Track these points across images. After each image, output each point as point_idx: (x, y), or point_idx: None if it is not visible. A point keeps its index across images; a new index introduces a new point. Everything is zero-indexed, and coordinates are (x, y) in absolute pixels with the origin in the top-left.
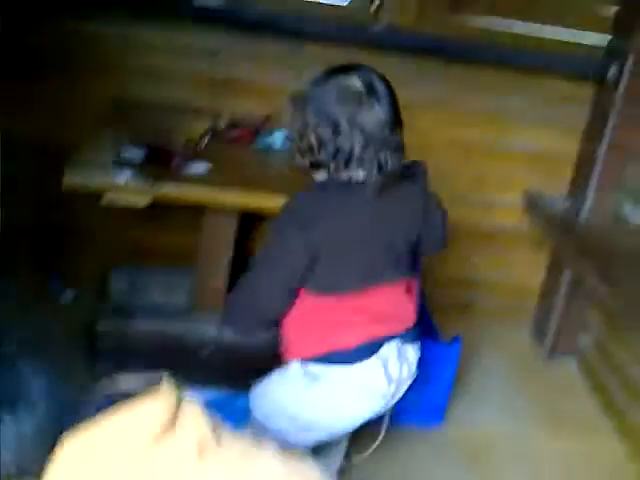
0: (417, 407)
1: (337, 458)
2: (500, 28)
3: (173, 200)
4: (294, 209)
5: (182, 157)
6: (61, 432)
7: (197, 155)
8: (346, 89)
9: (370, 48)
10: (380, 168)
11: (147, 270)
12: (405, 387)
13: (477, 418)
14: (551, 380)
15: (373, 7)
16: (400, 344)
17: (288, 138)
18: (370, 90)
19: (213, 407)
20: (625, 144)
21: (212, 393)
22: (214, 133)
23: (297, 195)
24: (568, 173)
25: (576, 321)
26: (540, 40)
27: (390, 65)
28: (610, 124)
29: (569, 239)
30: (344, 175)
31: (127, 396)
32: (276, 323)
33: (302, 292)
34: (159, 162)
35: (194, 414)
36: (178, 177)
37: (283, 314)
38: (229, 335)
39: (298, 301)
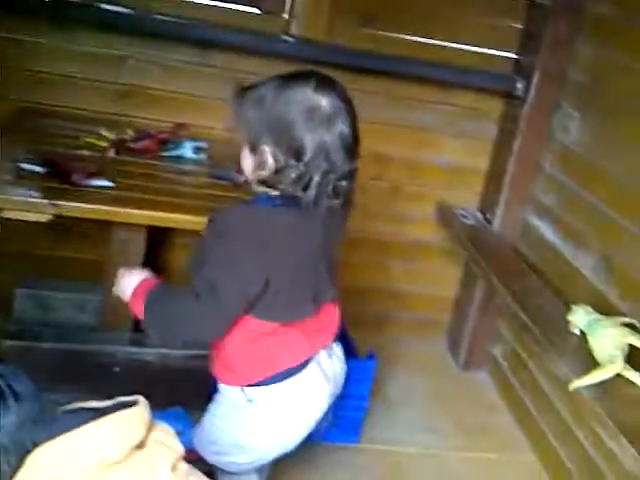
0: (334, 424)
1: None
2: (411, 42)
3: (76, 216)
4: (251, 228)
5: (85, 170)
6: (34, 440)
7: (102, 168)
8: (312, 111)
9: (281, 59)
10: (336, 194)
11: (54, 286)
12: (341, 380)
13: (393, 434)
14: (466, 393)
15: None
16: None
17: (198, 149)
18: (338, 114)
19: None
20: (532, 158)
21: None
22: (121, 144)
23: (249, 211)
24: (480, 186)
25: (489, 333)
26: (453, 54)
27: None
28: (518, 139)
29: (480, 252)
30: (292, 193)
31: (98, 412)
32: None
33: (245, 318)
34: (60, 176)
35: (167, 432)
36: (80, 192)
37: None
38: (140, 351)
39: (238, 326)
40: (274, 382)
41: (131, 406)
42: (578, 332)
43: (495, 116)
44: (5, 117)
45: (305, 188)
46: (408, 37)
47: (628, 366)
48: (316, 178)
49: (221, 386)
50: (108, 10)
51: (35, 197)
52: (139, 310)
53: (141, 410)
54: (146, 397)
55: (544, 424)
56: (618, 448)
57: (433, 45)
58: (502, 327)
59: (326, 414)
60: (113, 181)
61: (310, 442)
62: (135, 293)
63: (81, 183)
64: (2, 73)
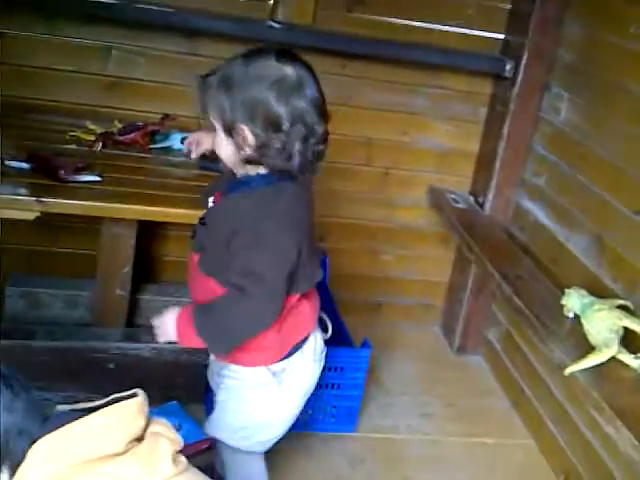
0: (330, 413)
1: None
2: (399, 26)
3: (64, 213)
4: (278, 208)
5: (72, 165)
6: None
7: (89, 162)
8: (281, 82)
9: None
10: (318, 159)
11: (45, 283)
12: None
13: (389, 422)
14: (461, 377)
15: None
16: None
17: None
18: (304, 81)
19: None
20: (523, 140)
21: None
22: (108, 137)
23: (267, 190)
24: (471, 169)
25: (484, 317)
26: (441, 36)
27: None
28: (507, 120)
29: (472, 236)
30: (280, 166)
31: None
32: None
33: None
34: (47, 173)
35: (165, 425)
36: (68, 189)
37: None
38: (134, 346)
39: None
40: (290, 355)
41: (128, 399)
42: (572, 316)
43: (485, 98)
44: None
45: (289, 157)
46: (395, 20)
47: (623, 349)
48: (297, 146)
49: (239, 370)
50: (91, 1)
51: (21, 195)
52: (193, 338)
53: (140, 401)
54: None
55: (541, 408)
56: (615, 432)
57: (421, 28)
58: (496, 310)
59: None
60: (101, 175)
61: (306, 431)
62: (179, 327)
63: (68, 179)
64: None
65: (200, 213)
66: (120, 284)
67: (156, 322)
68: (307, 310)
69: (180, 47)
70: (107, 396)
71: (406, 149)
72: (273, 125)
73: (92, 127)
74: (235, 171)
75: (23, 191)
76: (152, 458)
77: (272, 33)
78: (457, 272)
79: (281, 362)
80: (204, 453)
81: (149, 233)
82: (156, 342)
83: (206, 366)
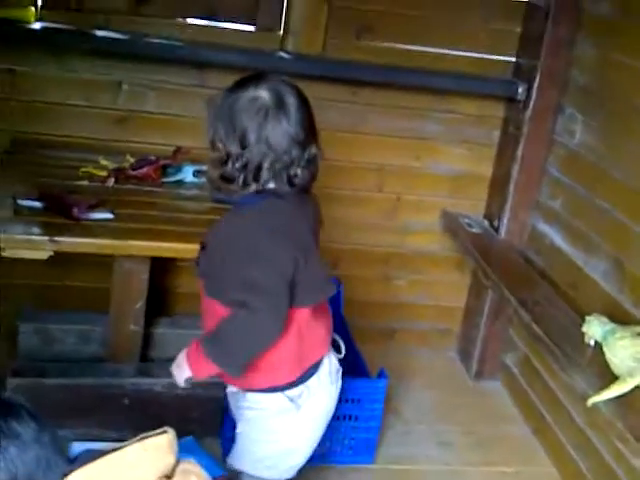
0: (347, 445)
1: None
2: (409, 52)
3: (77, 251)
4: (268, 221)
5: (85, 203)
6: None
7: (102, 198)
8: (253, 101)
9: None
10: (290, 183)
11: (58, 318)
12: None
13: (408, 451)
14: (479, 404)
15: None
16: None
17: (198, 172)
18: (279, 103)
19: None
20: (537, 163)
21: None
22: (120, 172)
23: (256, 208)
24: (485, 193)
25: (501, 341)
26: (452, 61)
27: None
28: (521, 143)
29: (488, 262)
30: (253, 187)
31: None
32: None
33: None
34: (60, 211)
35: (193, 464)
36: (81, 227)
37: None
38: (148, 382)
39: None
40: (306, 379)
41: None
42: (593, 343)
43: (497, 122)
44: (4, 149)
45: (256, 177)
46: (405, 47)
47: None
48: (265, 165)
49: (257, 400)
50: (101, 36)
51: (35, 234)
52: (206, 366)
53: (170, 439)
54: (157, 428)
55: (562, 435)
56: None
57: (431, 53)
58: (513, 334)
59: None
60: (113, 212)
61: (324, 464)
62: (191, 360)
63: (81, 217)
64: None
65: None
66: (133, 319)
67: (172, 368)
68: (321, 331)
69: (190, 79)
70: (123, 432)
71: (418, 174)
72: (240, 141)
73: (104, 163)
74: (228, 193)
75: (36, 230)
76: None
77: (282, 63)
78: (473, 296)
79: (297, 387)
80: None
81: (162, 265)
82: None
83: (221, 399)
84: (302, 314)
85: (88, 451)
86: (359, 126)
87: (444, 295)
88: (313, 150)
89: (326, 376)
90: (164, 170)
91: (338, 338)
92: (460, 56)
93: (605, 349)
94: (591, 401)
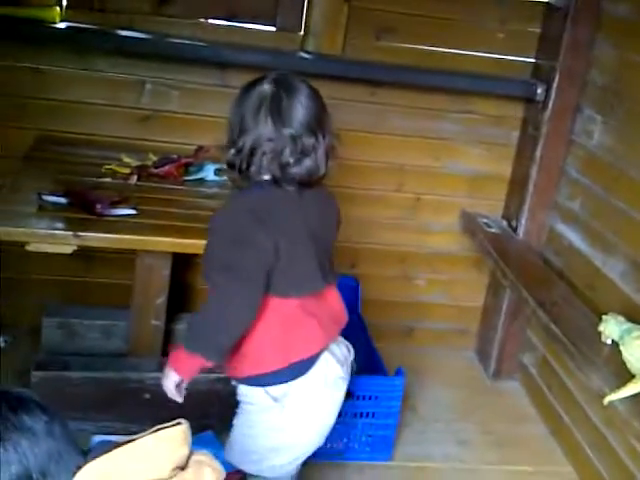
0: (365, 443)
1: None
2: (429, 52)
3: (100, 246)
4: (252, 207)
5: (108, 199)
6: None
7: (125, 195)
8: (256, 92)
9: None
10: (284, 172)
11: (81, 313)
12: (351, 364)
13: (426, 449)
14: (497, 403)
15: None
16: None
17: (220, 170)
18: (276, 94)
19: None
20: (556, 164)
21: None
22: (142, 169)
23: (245, 194)
24: (503, 193)
25: (519, 341)
26: (471, 62)
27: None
28: (540, 144)
29: (506, 262)
30: (250, 175)
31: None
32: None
33: (265, 298)
34: (83, 207)
35: (207, 455)
36: (104, 223)
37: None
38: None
39: (260, 309)
40: (293, 378)
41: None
42: (610, 342)
43: (516, 122)
44: (24, 147)
45: (249, 163)
46: (424, 47)
47: None
48: (258, 151)
49: (243, 392)
50: (124, 36)
51: (59, 229)
52: (186, 358)
53: (184, 430)
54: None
55: (579, 435)
56: None
57: (451, 54)
58: (531, 335)
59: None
60: (136, 208)
61: (341, 461)
62: (171, 361)
63: (104, 213)
64: (20, 103)
65: None
66: (155, 314)
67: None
68: (314, 328)
69: (213, 79)
70: (144, 426)
71: (437, 174)
72: (240, 128)
73: (127, 160)
74: (235, 182)
75: (60, 225)
76: None
77: (303, 63)
78: (491, 296)
79: (280, 385)
80: None
81: (184, 261)
82: None
83: None
84: (288, 305)
85: (102, 443)
86: (378, 126)
87: (462, 295)
88: (308, 142)
89: (320, 379)
90: (186, 168)
91: (347, 343)
92: (479, 57)
93: (622, 348)
94: (607, 399)
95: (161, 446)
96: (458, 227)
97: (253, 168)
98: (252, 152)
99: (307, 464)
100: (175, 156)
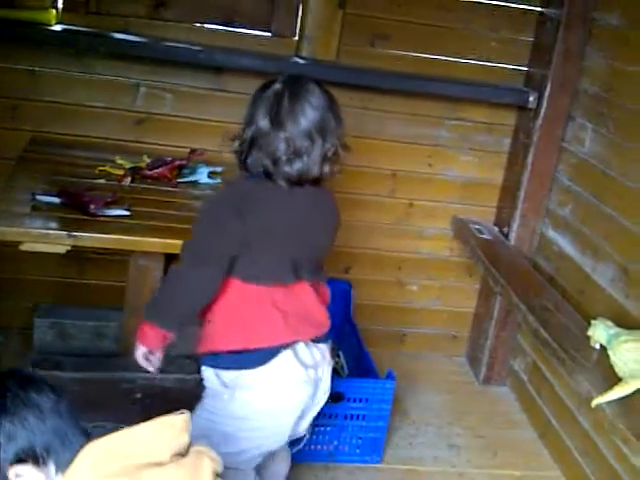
0: (355, 445)
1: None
2: (422, 60)
3: (94, 246)
4: (237, 197)
5: (102, 200)
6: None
7: (118, 196)
8: (266, 90)
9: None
10: (276, 167)
11: (73, 314)
12: (327, 373)
13: (416, 453)
14: (488, 408)
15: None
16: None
17: (213, 173)
18: (280, 93)
19: None
20: (547, 171)
21: None
22: (136, 171)
23: (237, 183)
24: (495, 200)
25: (509, 347)
26: (464, 70)
27: None
28: (531, 151)
29: (498, 268)
30: (253, 168)
31: None
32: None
33: (228, 280)
34: (77, 207)
35: (207, 447)
36: (97, 223)
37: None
38: (160, 376)
39: (224, 289)
40: (244, 367)
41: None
42: (599, 347)
43: (508, 130)
44: (19, 148)
45: (247, 153)
46: (419, 54)
47: None
48: (255, 142)
49: (204, 373)
50: (119, 39)
51: (53, 229)
52: (147, 330)
53: (185, 419)
54: None
55: (568, 439)
56: None
57: (444, 61)
58: (522, 340)
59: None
60: (129, 209)
61: (332, 463)
62: (137, 335)
63: (98, 213)
64: (15, 104)
65: None
66: None
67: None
68: (275, 319)
69: (207, 83)
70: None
71: (430, 180)
72: (246, 121)
73: (121, 162)
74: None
75: (54, 225)
76: (196, 472)
77: (297, 69)
78: (482, 302)
79: (231, 371)
80: None
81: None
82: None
83: None
84: (249, 290)
85: (101, 427)
86: (371, 132)
87: (454, 300)
88: (302, 145)
89: (284, 373)
90: (179, 171)
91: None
92: (472, 65)
93: (610, 352)
94: (595, 402)
95: (162, 431)
96: (450, 233)
97: (250, 159)
98: (251, 144)
99: (296, 465)
100: (169, 158)
